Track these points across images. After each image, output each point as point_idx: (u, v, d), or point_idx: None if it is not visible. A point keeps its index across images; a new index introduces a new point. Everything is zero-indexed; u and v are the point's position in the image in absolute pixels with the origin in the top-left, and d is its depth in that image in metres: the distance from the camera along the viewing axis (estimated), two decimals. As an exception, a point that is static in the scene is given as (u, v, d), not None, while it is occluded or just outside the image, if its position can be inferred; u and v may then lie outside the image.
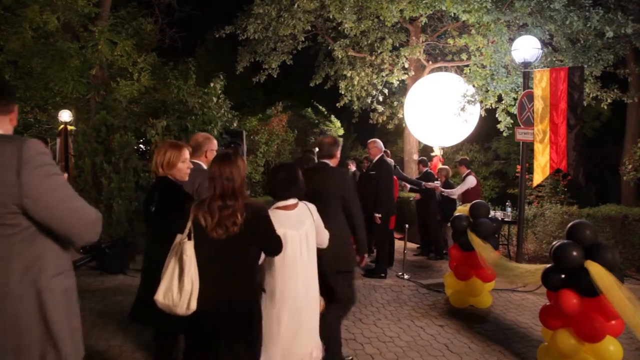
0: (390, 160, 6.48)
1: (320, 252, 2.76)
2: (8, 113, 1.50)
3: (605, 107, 8.64)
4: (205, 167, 3.29)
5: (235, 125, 9.71)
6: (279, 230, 2.40)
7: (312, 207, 2.67)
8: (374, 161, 6.25)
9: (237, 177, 2.22)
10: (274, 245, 2.34)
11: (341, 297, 3.27)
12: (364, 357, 3.79)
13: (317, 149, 3.72)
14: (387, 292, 5.60)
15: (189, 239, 2.18)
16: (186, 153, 2.88)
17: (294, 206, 2.57)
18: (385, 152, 6.41)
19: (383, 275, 6.18)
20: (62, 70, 8.56)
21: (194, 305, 2.12)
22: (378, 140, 6.34)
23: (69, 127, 8.84)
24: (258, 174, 11.87)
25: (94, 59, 9.01)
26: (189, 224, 2.21)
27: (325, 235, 2.77)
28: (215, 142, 3.46)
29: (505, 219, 7.35)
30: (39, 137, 6.56)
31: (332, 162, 3.56)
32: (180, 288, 2.11)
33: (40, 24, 8.38)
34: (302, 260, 2.54)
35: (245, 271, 2.28)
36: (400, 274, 6.31)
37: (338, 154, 3.58)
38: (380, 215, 6.04)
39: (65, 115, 8.93)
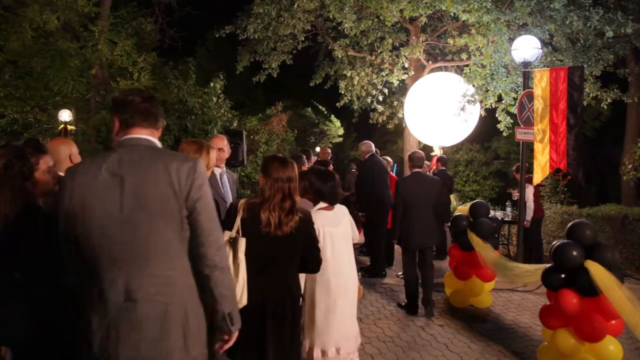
0: (388, 160, 6.53)
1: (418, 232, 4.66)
2: (158, 128, 1.83)
3: (605, 107, 8.62)
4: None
5: (235, 125, 9.70)
6: (324, 228, 2.77)
7: (345, 208, 3.03)
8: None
9: (295, 179, 2.38)
10: (315, 257, 2.49)
11: (431, 261, 4.94)
12: (364, 357, 3.79)
13: (409, 160, 5.02)
14: (387, 292, 5.60)
15: (239, 234, 2.28)
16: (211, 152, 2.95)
17: (332, 207, 2.92)
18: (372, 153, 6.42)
19: (383, 274, 6.19)
20: (62, 70, 8.53)
21: (245, 300, 2.21)
22: (367, 143, 6.52)
23: (69, 127, 8.85)
24: (258, 173, 11.86)
25: (94, 59, 9.00)
26: (238, 221, 2.30)
27: (356, 231, 3.10)
28: (219, 141, 3.55)
29: (505, 219, 7.36)
30: (36, 138, 6.53)
31: (423, 171, 5.06)
32: (234, 284, 2.18)
33: (40, 23, 8.37)
34: (347, 253, 2.90)
35: (294, 271, 2.45)
36: (400, 274, 6.29)
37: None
38: (362, 214, 6.16)
39: (65, 115, 8.95)
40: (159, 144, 1.80)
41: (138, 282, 1.63)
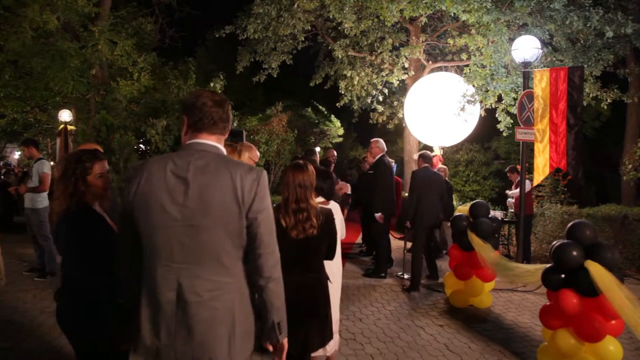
0: (391, 161, 6.50)
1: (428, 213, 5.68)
2: (225, 133, 1.84)
3: (605, 107, 8.62)
4: None
5: (235, 125, 9.71)
6: None
7: (337, 206, 3.25)
8: (374, 161, 6.28)
9: (308, 184, 2.54)
10: (333, 249, 2.73)
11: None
12: (364, 356, 3.79)
13: (419, 158, 6.14)
14: (387, 292, 5.60)
15: None
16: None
17: (327, 202, 3.16)
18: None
19: (383, 275, 6.18)
20: (62, 70, 8.54)
21: None
22: (381, 140, 6.36)
23: (69, 127, 8.84)
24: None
25: (94, 59, 9.00)
26: None
27: (343, 229, 3.34)
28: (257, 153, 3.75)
29: (505, 219, 7.36)
30: (34, 138, 6.54)
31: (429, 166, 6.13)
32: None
33: (40, 23, 8.37)
34: None
35: (320, 265, 2.65)
36: (400, 273, 6.30)
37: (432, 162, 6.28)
38: (381, 215, 6.05)
39: (65, 115, 8.94)
40: (224, 151, 1.81)
41: (191, 284, 1.66)
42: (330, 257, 2.76)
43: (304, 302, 2.52)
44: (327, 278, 2.74)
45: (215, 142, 1.78)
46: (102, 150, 2.91)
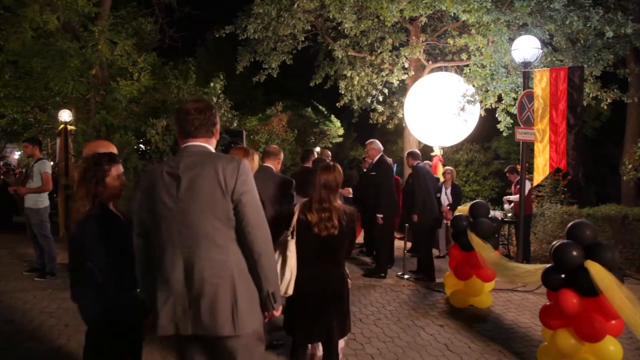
0: (390, 160, 6.50)
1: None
2: (212, 135, 2.11)
3: (605, 107, 8.61)
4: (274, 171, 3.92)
5: (235, 125, 9.71)
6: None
7: None
8: (374, 162, 6.26)
9: (333, 185, 2.71)
10: (351, 247, 2.91)
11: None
12: (364, 357, 3.79)
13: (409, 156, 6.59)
14: (387, 292, 5.60)
15: (292, 237, 2.68)
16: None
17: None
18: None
19: (383, 275, 6.18)
20: (62, 70, 8.52)
21: (290, 291, 2.62)
22: (376, 141, 6.35)
23: (69, 127, 8.82)
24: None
25: (94, 59, 8.98)
26: (294, 223, 2.69)
27: None
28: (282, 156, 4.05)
29: (505, 219, 7.35)
30: (34, 137, 6.52)
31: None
32: (281, 276, 2.55)
33: (40, 23, 8.35)
34: None
35: (341, 261, 2.82)
36: (400, 274, 6.31)
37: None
38: (382, 216, 6.04)
39: (65, 115, 8.92)
40: (212, 149, 2.09)
41: (194, 265, 1.91)
42: (348, 254, 2.90)
43: (326, 294, 2.70)
44: (348, 275, 2.87)
45: (202, 143, 2.06)
46: (116, 150, 3.04)
